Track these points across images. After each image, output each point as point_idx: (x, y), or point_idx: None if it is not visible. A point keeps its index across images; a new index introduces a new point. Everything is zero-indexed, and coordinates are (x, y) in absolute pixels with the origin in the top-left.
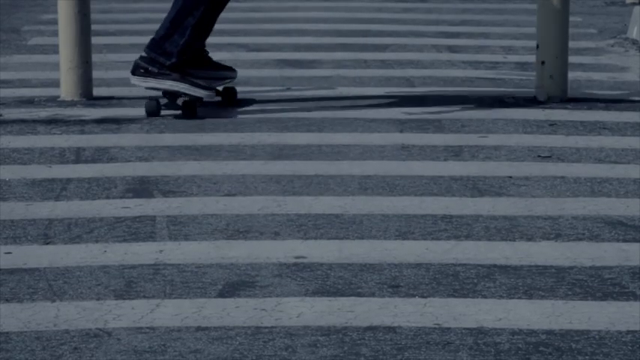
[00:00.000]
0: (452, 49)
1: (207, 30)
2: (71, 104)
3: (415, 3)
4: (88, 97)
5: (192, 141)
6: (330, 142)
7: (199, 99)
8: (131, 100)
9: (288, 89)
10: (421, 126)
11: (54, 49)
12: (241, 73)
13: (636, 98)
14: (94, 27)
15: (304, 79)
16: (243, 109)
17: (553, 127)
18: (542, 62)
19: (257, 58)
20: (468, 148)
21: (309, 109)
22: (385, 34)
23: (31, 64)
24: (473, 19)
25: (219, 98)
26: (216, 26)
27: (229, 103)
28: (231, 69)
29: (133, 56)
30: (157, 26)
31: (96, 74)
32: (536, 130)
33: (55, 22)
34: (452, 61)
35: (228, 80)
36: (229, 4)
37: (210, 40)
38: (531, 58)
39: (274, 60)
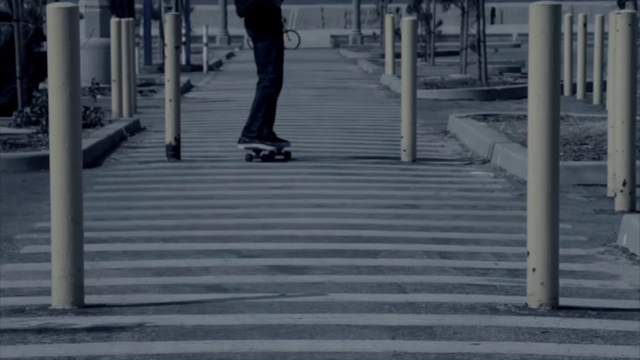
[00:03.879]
0: (443, 255)
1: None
2: (62, 312)
3: (406, 209)
4: (79, 305)
5: (183, 349)
6: (322, 350)
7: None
8: (122, 308)
9: (282, 295)
10: (413, 333)
11: (46, 257)
12: (233, 279)
13: (628, 307)
14: (86, 234)
15: (296, 286)
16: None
17: (545, 334)
18: (534, 269)
19: (249, 264)
20: (461, 355)
21: (300, 316)
22: (377, 240)
23: (23, 273)
24: (464, 225)
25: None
26: (207, 232)
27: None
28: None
29: (126, 263)
30: (148, 233)
31: (87, 282)
32: (529, 338)
33: (47, 230)
34: (443, 268)
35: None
36: (220, 211)
37: (202, 246)
38: (522, 265)
39: (266, 266)
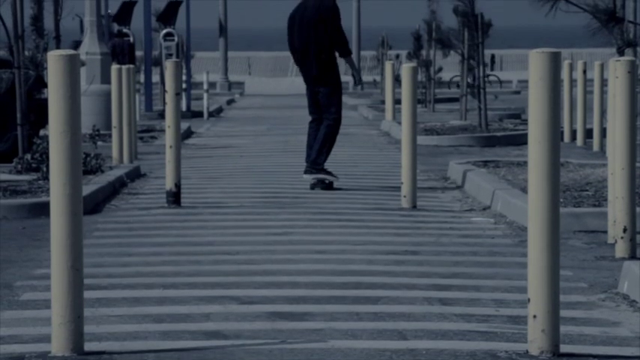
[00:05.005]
0: (444, 301)
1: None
2: None
3: (406, 255)
4: (79, 352)
5: None
6: None
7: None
8: (122, 355)
9: (283, 342)
10: None
11: (46, 304)
12: (233, 326)
13: (629, 354)
14: (86, 281)
15: (296, 332)
16: None
17: None
18: (534, 316)
19: (249, 310)
20: None
21: None
22: (377, 286)
23: (23, 320)
24: (464, 271)
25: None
26: (208, 278)
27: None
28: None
29: (126, 310)
30: (149, 279)
31: (87, 329)
32: None
33: (47, 276)
34: (444, 314)
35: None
36: (220, 257)
37: (202, 292)
38: (523, 312)
39: (266, 312)
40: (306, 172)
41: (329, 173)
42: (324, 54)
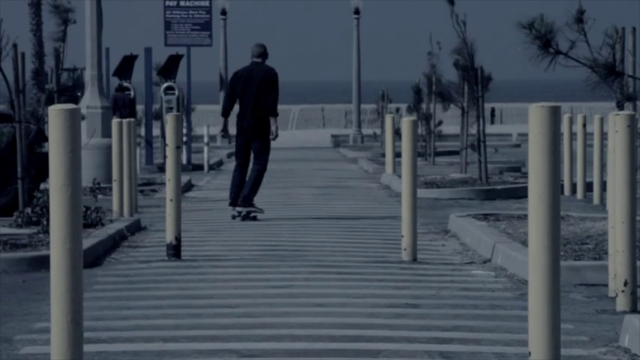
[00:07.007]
0: (444, 354)
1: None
2: None
3: (407, 308)
4: None
5: None
6: None
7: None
8: None
9: None
10: None
11: (46, 358)
12: None
13: None
14: (86, 334)
15: None
16: None
17: None
18: None
19: None
20: None
21: None
22: (377, 339)
23: None
24: (465, 324)
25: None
26: (208, 332)
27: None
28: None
29: None
30: (148, 332)
31: None
32: None
33: (47, 330)
34: None
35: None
36: (220, 310)
37: (202, 346)
38: None
39: None
40: (238, 205)
41: (257, 208)
42: (261, 112)
